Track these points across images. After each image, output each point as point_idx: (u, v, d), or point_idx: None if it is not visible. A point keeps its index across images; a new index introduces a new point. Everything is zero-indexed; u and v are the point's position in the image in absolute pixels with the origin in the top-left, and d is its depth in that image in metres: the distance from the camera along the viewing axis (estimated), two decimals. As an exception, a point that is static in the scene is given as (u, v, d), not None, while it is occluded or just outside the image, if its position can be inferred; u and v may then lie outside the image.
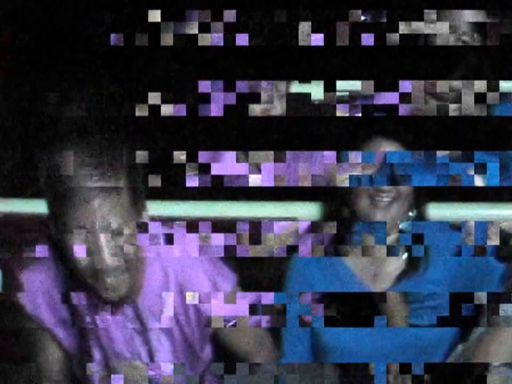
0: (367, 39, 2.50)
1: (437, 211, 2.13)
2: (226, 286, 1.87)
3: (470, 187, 2.19)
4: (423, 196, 2.07)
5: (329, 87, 2.44)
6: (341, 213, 2.08)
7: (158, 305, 1.84)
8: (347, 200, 2.05)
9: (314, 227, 2.17)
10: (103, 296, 1.72)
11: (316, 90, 2.49)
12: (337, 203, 2.09)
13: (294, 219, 2.25)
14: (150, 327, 1.86)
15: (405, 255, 2.05)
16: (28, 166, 2.54)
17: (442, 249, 2.03)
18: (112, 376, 1.89)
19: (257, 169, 2.35)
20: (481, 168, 2.18)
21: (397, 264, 2.06)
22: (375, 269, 2.07)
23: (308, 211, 2.22)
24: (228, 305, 1.86)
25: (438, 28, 2.47)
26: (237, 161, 2.38)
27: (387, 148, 2.00)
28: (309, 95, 2.48)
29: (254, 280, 2.18)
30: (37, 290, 1.85)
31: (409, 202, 2.05)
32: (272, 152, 2.21)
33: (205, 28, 2.50)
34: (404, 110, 2.06)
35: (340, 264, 2.08)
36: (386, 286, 2.04)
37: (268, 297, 2.02)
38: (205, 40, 2.50)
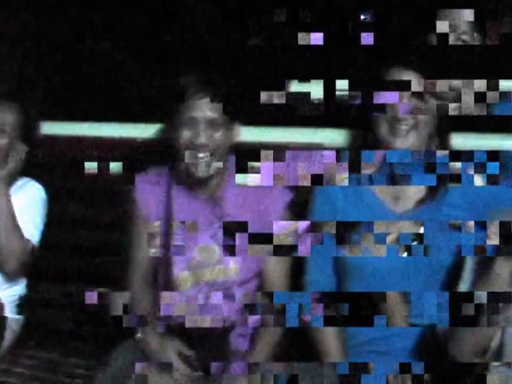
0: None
1: (460, 141, 2.19)
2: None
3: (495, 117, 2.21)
4: (445, 126, 2.12)
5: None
6: (365, 139, 2.15)
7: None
8: (370, 127, 2.11)
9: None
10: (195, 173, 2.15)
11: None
12: (360, 131, 2.18)
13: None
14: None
15: None
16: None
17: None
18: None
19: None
20: None
21: (418, 188, 2.11)
22: (397, 192, 2.13)
23: (335, 138, 2.43)
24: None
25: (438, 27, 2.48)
26: None
27: None
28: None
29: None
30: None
31: (430, 131, 2.09)
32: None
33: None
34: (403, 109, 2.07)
35: (363, 189, 2.14)
36: (408, 209, 2.10)
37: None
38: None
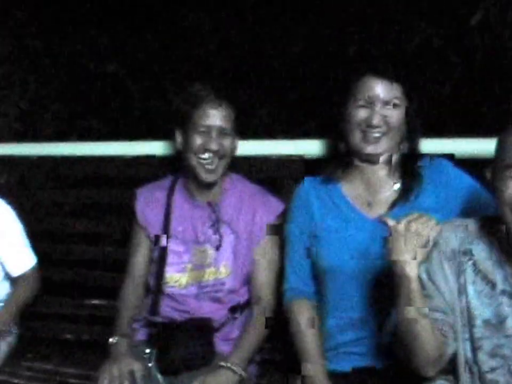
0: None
1: (429, 146, 2.23)
2: None
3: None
4: (414, 131, 2.16)
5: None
6: (339, 148, 2.21)
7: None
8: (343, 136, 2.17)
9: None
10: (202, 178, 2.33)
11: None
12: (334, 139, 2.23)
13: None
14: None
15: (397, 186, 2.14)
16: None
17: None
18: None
19: None
20: None
21: (389, 193, 2.15)
22: (370, 198, 2.16)
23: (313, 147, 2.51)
24: None
25: None
26: None
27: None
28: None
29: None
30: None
31: (400, 137, 2.14)
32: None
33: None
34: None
35: (337, 193, 2.19)
36: (381, 213, 2.13)
37: None
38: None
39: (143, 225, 2.46)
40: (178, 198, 2.43)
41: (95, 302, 2.86)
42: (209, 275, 2.35)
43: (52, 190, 3.33)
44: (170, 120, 2.50)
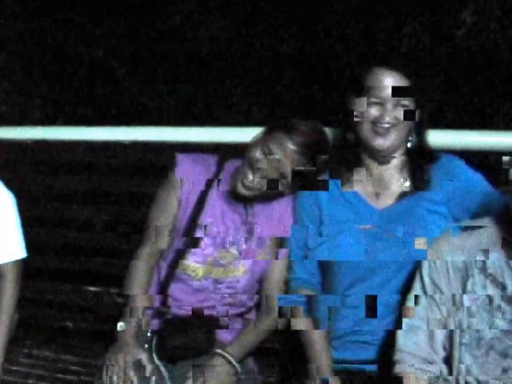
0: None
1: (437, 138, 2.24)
2: None
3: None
4: (423, 124, 2.17)
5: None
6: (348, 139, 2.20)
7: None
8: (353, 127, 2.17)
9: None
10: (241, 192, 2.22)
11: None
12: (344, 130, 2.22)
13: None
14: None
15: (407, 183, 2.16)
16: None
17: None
18: None
19: None
20: None
21: (398, 184, 2.17)
22: (379, 189, 2.18)
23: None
24: None
25: None
26: None
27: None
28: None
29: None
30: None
31: (409, 129, 2.14)
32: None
33: None
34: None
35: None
36: (388, 204, 2.15)
37: None
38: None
39: (179, 192, 2.33)
40: (219, 190, 2.34)
41: (95, 289, 2.86)
42: (227, 273, 2.33)
43: (41, 175, 3.26)
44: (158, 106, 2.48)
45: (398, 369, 1.90)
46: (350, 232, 2.16)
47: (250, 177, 2.22)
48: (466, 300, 1.84)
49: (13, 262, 2.42)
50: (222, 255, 2.33)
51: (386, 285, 2.11)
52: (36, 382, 2.54)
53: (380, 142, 2.13)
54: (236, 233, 2.34)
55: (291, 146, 2.20)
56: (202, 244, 2.33)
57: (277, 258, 2.31)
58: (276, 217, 2.34)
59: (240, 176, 2.23)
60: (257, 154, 2.22)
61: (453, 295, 1.85)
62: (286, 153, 2.20)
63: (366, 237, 2.14)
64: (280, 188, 2.24)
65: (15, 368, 2.64)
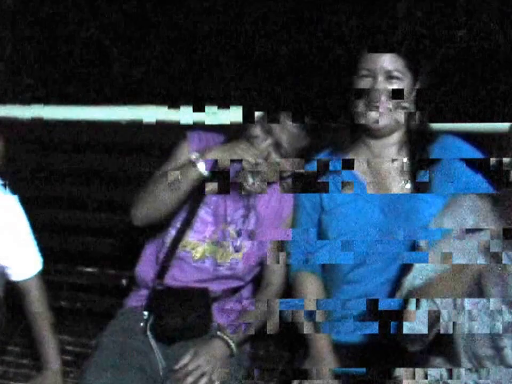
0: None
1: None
2: None
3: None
4: (423, 108, 2.18)
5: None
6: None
7: None
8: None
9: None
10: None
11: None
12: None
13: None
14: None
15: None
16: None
17: None
18: None
19: None
20: None
21: (399, 172, 2.16)
22: (378, 171, 2.18)
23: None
24: None
25: None
26: None
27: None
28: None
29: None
30: None
31: (406, 112, 2.15)
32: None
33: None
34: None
35: (346, 173, 2.19)
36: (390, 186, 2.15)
37: None
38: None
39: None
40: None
41: (90, 269, 2.85)
42: (227, 254, 2.33)
43: (35, 153, 3.24)
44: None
45: None
46: (351, 215, 2.16)
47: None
48: (467, 303, 1.84)
49: (36, 274, 2.34)
50: (222, 234, 2.33)
51: (389, 266, 2.11)
52: (31, 361, 2.51)
53: (375, 119, 2.14)
54: (235, 213, 2.34)
55: (291, 124, 2.22)
56: (204, 221, 2.33)
57: (277, 240, 2.31)
58: (277, 199, 2.35)
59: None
60: (257, 131, 2.22)
61: (454, 299, 1.85)
62: (285, 131, 2.21)
63: (368, 220, 2.14)
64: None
65: (10, 348, 2.64)
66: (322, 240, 2.20)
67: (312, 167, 2.23)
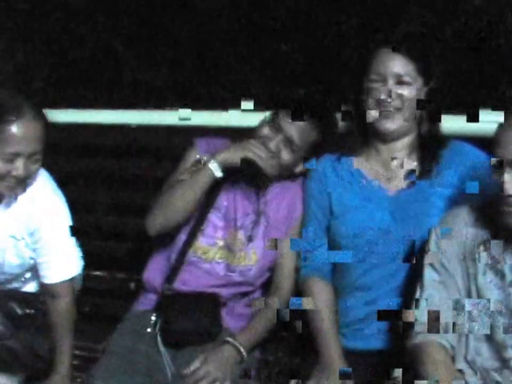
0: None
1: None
2: None
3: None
4: (435, 112, 2.16)
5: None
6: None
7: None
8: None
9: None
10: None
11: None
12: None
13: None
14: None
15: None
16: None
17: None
18: None
19: None
20: None
21: (408, 171, 2.15)
22: (389, 173, 2.17)
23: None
24: None
25: None
26: None
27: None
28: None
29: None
30: None
31: (418, 116, 2.14)
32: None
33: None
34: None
35: (355, 170, 2.20)
36: (399, 189, 2.14)
37: None
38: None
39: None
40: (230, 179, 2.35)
41: (98, 273, 2.84)
42: (239, 260, 2.32)
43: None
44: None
45: (419, 339, 1.86)
46: (361, 218, 2.14)
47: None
48: (467, 304, 1.83)
49: (70, 279, 2.32)
50: (231, 238, 2.32)
51: (399, 271, 2.09)
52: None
53: (385, 125, 2.13)
54: (245, 218, 2.33)
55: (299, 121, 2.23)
56: (214, 226, 2.32)
57: (287, 246, 2.29)
58: (287, 205, 2.34)
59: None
60: (266, 130, 2.24)
61: (455, 300, 1.84)
62: (296, 127, 2.23)
63: (378, 224, 2.12)
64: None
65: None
66: (321, 239, 2.21)
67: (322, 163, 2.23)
